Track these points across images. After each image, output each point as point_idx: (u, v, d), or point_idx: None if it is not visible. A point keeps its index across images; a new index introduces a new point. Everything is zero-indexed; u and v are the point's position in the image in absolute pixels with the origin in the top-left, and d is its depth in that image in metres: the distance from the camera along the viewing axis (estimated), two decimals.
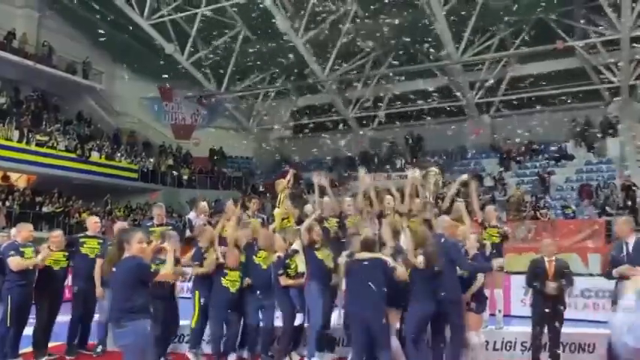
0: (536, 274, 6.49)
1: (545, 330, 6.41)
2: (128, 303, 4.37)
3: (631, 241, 5.94)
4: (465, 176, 8.13)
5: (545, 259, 6.52)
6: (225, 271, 6.79)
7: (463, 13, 19.03)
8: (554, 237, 11.41)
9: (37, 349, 6.97)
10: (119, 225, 7.69)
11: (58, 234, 7.34)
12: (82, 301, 7.29)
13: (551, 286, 6.26)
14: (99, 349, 7.28)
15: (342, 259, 5.84)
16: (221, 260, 6.87)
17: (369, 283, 5.38)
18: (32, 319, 6.99)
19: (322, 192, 7.76)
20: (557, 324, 6.33)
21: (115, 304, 4.54)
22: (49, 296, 7.00)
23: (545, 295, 6.31)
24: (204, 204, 8.59)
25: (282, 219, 7.53)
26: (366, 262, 5.50)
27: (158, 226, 7.91)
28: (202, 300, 6.87)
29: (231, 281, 6.77)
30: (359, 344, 5.54)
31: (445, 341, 5.99)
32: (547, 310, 6.31)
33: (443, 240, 5.94)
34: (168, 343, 7.07)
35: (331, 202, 7.65)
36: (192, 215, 8.57)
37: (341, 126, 25.09)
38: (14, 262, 6.59)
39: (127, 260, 4.47)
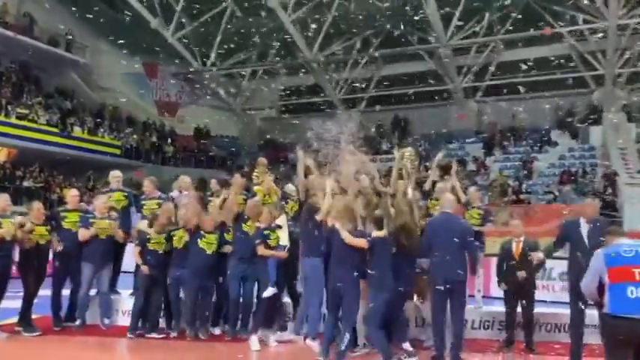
0: (504, 257, 6.68)
1: (519, 309, 6.59)
2: None
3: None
4: (440, 155, 8.21)
5: (514, 240, 6.69)
6: (202, 232, 6.85)
7: None
8: (535, 221, 11.56)
9: (21, 322, 6.95)
10: (101, 198, 7.58)
11: (39, 205, 7.24)
12: (64, 275, 7.27)
13: (519, 275, 6.42)
14: (77, 322, 7.24)
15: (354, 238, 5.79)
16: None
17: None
18: (11, 293, 6.92)
19: (307, 171, 7.58)
20: (527, 302, 6.53)
21: None
22: (35, 270, 6.99)
23: (513, 275, 6.50)
24: (184, 178, 8.45)
25: (264, 195, 7.49)
26: (389, 240, 5.77)
27: (150, 199, 7.87)
28: (169, 280, 7.00)
29: (207, 243, 6.85)
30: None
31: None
32: (516, 289, 6.51)
33: (458, 220, 6.01)
34: (156, 317, 7.10)
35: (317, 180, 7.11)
36: (175, 193, 8.49)
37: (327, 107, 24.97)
38: None
39: None
